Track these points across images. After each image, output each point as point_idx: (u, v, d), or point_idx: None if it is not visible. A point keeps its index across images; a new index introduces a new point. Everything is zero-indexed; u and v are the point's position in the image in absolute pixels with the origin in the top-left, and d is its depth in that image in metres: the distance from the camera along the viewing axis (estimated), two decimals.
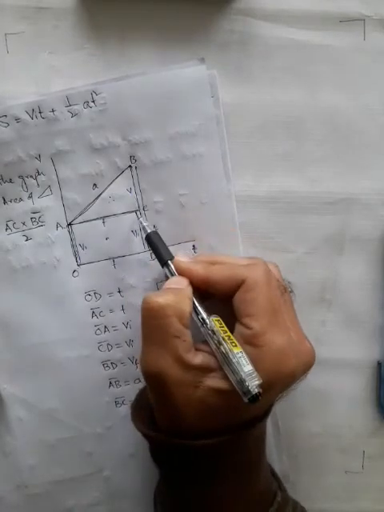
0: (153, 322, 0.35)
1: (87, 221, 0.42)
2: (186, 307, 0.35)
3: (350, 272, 0.44)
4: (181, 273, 0.38)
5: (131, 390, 0.43)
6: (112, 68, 0.41)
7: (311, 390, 0.45)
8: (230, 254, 0.42)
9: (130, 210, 0.42)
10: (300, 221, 0.43)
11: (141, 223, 0.41)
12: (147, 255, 0.42)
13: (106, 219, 0.42)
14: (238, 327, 0.35)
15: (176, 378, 0.34)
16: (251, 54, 0.42)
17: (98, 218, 0.42)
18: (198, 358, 0.35)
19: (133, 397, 0.41)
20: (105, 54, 0.42)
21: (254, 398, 0.32)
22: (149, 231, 0.40)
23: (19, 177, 0.42)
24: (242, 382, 0.33)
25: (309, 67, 0.42)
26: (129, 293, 0.43)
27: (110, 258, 0.42)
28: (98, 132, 0.41)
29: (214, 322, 0.35)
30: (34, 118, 0.41)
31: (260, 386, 0.33)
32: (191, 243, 0.42)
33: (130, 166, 0.42)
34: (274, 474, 0.42)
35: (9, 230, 0.42)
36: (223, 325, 0.35)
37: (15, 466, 0.44)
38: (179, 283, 0.37)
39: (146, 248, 0.42)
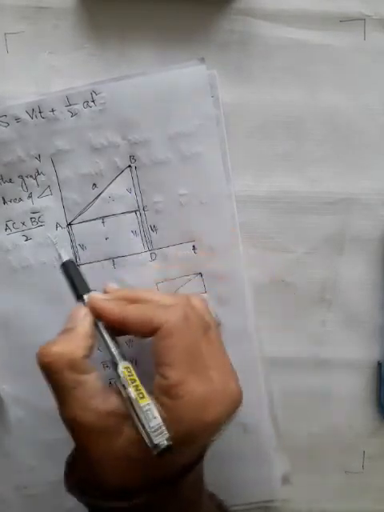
0: (48, 379, 0.33)
1: (87, 221, 0.42)
2: (79, 352, 0.33)
3: (350, 272, 0.44)
4: (94, 311, 0.35)
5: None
6: (112, 68, 0.41)
7: (311, 390, 0.45)
8: (230, 254, 0.42)
9: (129, 209, 0.42)
10: (300, 221, 0.43)
11: (57, 250, 0.39)
12: (147, 256, 0.42)
13: (105, 219, 0.42)
14: (156, 376, 0.33)
15: (88, 427, 0.32)
16: (251, 54, 0.42)
17: (97, 218, 0.42)
18: (109, 403, 0.33)
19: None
20: (105, 54, 0.42)
21: (164, 452, 0.31)
22: (64, 260, 0.38)
23: (19, 177, 0.42)
24: (148, 435, 0.31)
25: (309, 67, 0.42)
26: None
27: (109, 258, 0.42)
28: (98, 132, 0.41)
29: (123, 371, 0.33)
30: (34, 117, 0.41)
31: (171, 438, 0.31)
32: (191, 243, 0.42)
33: (129, 166, 0.42)
34: (219, 505, 0.40)
35: (8, 230, 0.42)
36: (133, 374, 0.33)
37: (15, 467, 0.44)
38: (74, 320, 0.35)
39: (146, 248, 0.42)
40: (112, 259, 0.42)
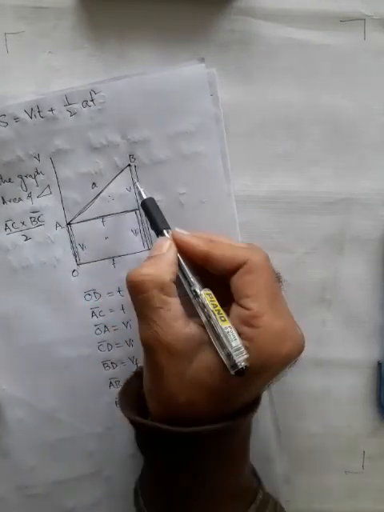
0: (136, 298, 0.35)
1: (86, 220, 0.42)
2: (167, 276, 0.35)
3: (350, 272, 0.44)
4: (180, 246, 0.37)
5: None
6: (111, 68, 0.41)
7: (311, 390, 0.45)
8: None
9: (129, 209, 0.42)
10: (300, 221, 0.43)
11: (137, 188, 0.40)
12: (147, 254, 0.42)
13: (105, 218, 0.42)
14: (236, 308, 0.35)
15: (167, 347, 0.34)
16: (251, 54, 0.42)
17: (97, 218, 0.42)
18: (189, 328, 0.34)
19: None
20: (104, 54, 0.42)
21: (241, 372, 0.32)
22: (145, 197, 0.39)
23: (18, 176, 0.42)
24: (229, 355, 0.33)
25: (309, 67, 0.42)
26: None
27: (109, 258, 0.42)
28: (97, 131, 0.41)
29: (205, 296, 0.35)
30: (33, 117, 0.41)
31: (248, 360, 0.33)
32: None
33: (129, 165, 0.42)
34: (254, 472, 0.42)
35: (8, 230, 0.42)
36: (214, 299, 0.35)
37: (15, 467, 0.44)
38: (160, 248, 0.37)
39: (146, 247, 0.42)
40: (112, 258, 0.42)
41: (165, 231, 0.38)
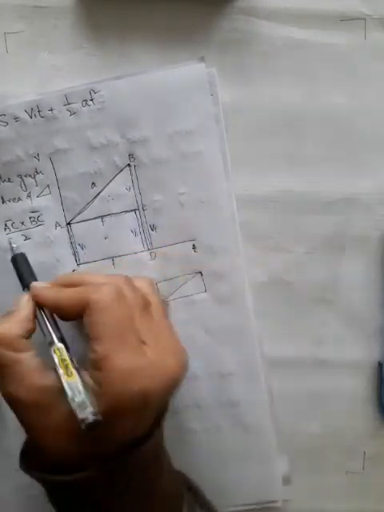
0: None
1: (86, 220, 0.42)
2: (15, 331, 0.35)
3: (350, 272, 0.44)
4: (34, 298, 0.37)
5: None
6: (111, 68, 0.41)
7: (311, 390, 0.45)
8: (230, 252, 0.42)
9: (129, 208, 0.42)
10: (300, 221, 0.43)
11: (10, 243, 0.41)
12: (147, 255, 0.42)
13: (104, 218, 0.42)
14: (89, 352, 0.34)
15: (21, 401, 0.34)
16: (252, 54, 0.42)
17: (96, 217, 0.42)
18: (46, 380, 0.34)
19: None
20: (104, 54, 0.42)
21: (91, 426, 0.32)
22: (16, 253, 0.40)
23: (18, 176, 0.42)
24: (74, 411, 0.32)
25: (309, 67, 0.42)
26: None
27: (109, 258, 0.42)
28: (97, 130, 0.41)
29: (54, 351, 0.35)
30: (33, 116, 0.41)
31: (95, 413, 0.32)
32: (191, 242, 0.42)
33: (128, 165, 0.42)
34: (187, 482, 0.40)
35: (8, 230, 0.42)
36: (63, 353, 0.35)
37: (15, 466, 0.44)
38: (16, 304, 0.37)
39: (146, 247, 0.42)
40: (111, 258, 0.42)
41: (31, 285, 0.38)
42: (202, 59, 0.41)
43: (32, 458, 0.36)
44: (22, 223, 0.42)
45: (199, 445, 0.44)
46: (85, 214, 0.42)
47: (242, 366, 0.43)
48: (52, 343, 0.36)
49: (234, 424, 0.43)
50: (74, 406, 0.32)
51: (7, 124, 0.41)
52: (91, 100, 0.41)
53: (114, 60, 0.42)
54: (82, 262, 0.42)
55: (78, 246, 0.42)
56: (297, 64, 0.42)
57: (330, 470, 0.46)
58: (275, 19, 0.42)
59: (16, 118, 0.40)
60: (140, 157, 0.41)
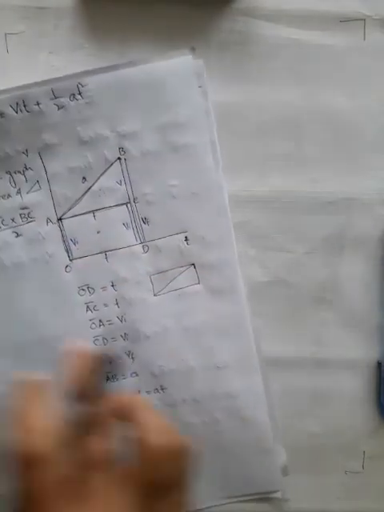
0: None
1: (78, 215, 0.42)
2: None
3: (350, 272, 0.44)
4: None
5: (127, 383, 0.43)
6: None
7: (311, 390, 0.45)
8: (222, 244, 0.42)
9: (120, 202, 0.42)
10: (300, 221, 0.43)
11: None
12: (139, 248, 0.42)
13: (96, 213, 0.42)
14: None
15: None
16: (251, 54, 0.42)
17: (88, 212, 0.42)
18: None
19: (129, 391, 0.41)
20: (104, 54, 0.42)
21: None
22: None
23: (7, 172, 0.41)
24: None
25: (309, 67, 0.42)
26: (122, 286, 0.42)
27: (102, 252, 0.42)
28: (86, 124, 0.40)
29: None
30: (19, 112, 0.40)
31: None
32: (183, 234, 0.42)
33: (119, 158, 0.41)
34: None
35: None
36: None
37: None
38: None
39: (138, 240, 0.42)
40: (104, 253, 0.42)
41: None
42: (193, 49, 0.40)
43: None
44: (13, 220, 0.42)
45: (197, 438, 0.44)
46: (76, 209, 0.42)
47: (237, 357, 0.43)
48: None
49: (232, 416, 0.43)
50: None
51: None
52: (79, 94, 0.40)
53: (115, 60, 0.41)
54: (74, 257, 0.42)
55: (70, 242, 0.42)
56: (296, 65, 0.42)
57: (330, 470, 0.46)
58: (274, 20, 0.42)
59: (1, 114, 0.40)
60: (130, 150, 0.41)
